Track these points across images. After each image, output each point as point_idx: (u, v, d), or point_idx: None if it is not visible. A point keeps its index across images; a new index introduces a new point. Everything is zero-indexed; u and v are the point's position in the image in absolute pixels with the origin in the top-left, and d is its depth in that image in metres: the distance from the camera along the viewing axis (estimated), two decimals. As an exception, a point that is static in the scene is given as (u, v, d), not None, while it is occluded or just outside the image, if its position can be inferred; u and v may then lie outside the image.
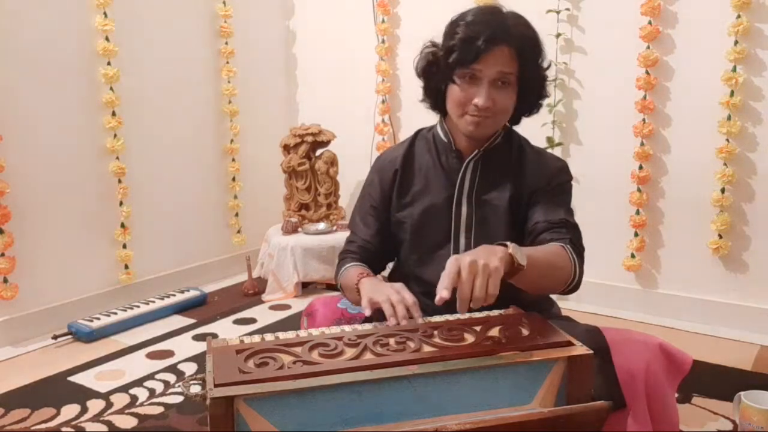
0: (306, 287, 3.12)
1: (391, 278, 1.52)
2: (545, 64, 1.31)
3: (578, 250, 1.27)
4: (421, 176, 1.39)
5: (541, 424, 0.96)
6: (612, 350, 1.08)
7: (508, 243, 1.10)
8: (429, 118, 1.49)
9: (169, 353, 2.41)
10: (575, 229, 1.32)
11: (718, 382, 2.05)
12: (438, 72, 1.31)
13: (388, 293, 1.19)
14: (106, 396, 2.06)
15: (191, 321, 2.76)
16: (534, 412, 0.98)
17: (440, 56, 1.29)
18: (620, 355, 1.09)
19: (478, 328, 1.13)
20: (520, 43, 1.24)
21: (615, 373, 1.10)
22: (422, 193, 1.38)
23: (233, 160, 3.39)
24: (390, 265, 1.55)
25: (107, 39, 2.72)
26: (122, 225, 2.87)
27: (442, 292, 1.00)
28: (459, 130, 1.34)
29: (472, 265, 1.00)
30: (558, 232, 1.28)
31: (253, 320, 2.78)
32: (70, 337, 2.53)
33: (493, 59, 1.22)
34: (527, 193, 1.34)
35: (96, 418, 1.92)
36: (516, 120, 1.38)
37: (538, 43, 1.28)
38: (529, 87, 1.29)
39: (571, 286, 1.24)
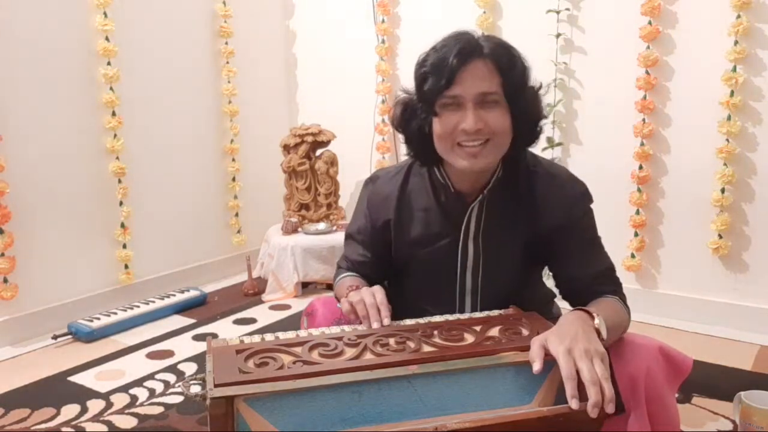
0: (306, 287, 3.12)
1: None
2: (534, 84, 1.20)
3: (623, 294, 1.27)
4: (420, 220, 1.30)
5: (540, 423, 0.96)
6: (611, 354, 1.07)
7: (595, 314, 1.07)
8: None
9: (169, 353, 2.41)
10: (614, 272, 1.30)
11: (718, 382, 2.05)
12: (415, 114, 1.20)
13: (363, 295, 1.18)
14: (106, 396, 2.06)
15: (191, 321, 2.76)
16: (534, 410, 0.98)
17: (414, 98, 1.20)
18: (620, 358, 1.09)
19: (478, 328, 1.13)
20: (495, 53, 1.13)
21: (614, 378, 1.10)
22: (424, 238, 1.29)
23: (233, 160, 3.39)
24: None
25: (107, 39, 2.72)
26: (122, 225, 2.87)
27: (572, 403, 0.94)
28: (457, 176, 1.24)
29: (587, 353, 0.97)
30: (604, 284, 1.26)
31: (253, 320, 2.78)
32: (70, 337, 2.53)
33: (470, 78, 1.11)
34: (546, 228, 1.25)
35: (96, 418, 1.92)
36: (517, 153, 1.25)
37: (516, 55, 1.16)
38: (521, 104, 1.16)
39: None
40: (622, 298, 1.26)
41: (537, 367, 0.97)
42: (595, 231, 1.30)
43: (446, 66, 1.11)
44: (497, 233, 1.27)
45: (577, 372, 0.95)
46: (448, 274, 1.30)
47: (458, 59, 1.11)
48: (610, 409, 0.93)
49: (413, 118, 1.22)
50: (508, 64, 1.14)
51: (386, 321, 1.15)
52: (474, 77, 1.12)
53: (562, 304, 1.38)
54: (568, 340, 0.99)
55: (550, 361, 0.99)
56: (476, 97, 1.12)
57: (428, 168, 1.29)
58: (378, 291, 1.20)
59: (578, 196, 1.27)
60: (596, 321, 1.06)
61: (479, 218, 1.26)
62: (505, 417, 0.96)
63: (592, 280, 1.25)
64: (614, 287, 1.27)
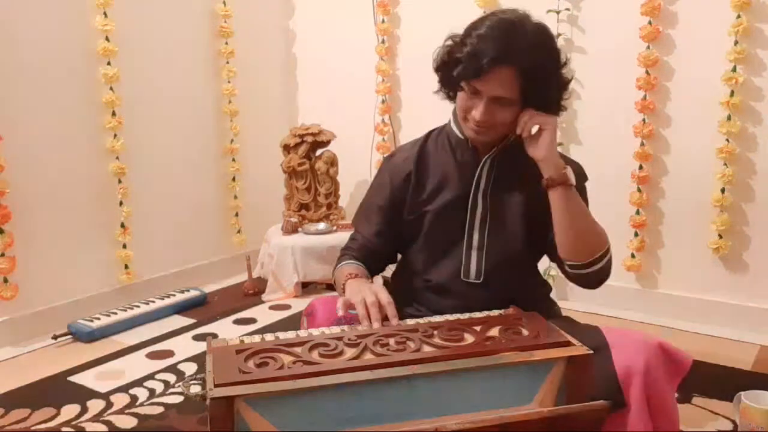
0: (306, 287, 3.11)
1: (394, 278, 1.52)
2: (564, 76, 1.28)
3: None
4: (436, 174, 1.40)
5: (540, 424, 0.96)
6: (612, 350, 1.08)
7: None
8: (429, 119, 1.49)
9: (169, 353, 2.41)
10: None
11: (718, 382, 2.05)
12: (448, 73, 1.30)
13: (364, 294, 1.20)
14: (106, 396, 2.06)
15: (191, 321, 2.76)
16: (534, 411, 0.98)
17: (451, 61, 1.27)
18: (620, 354, 1.09)
19: (478, 328, 1.13)
20: (527, 65, 1.19)
21: (615, 373, 1.10)
22: (438, 190, 1.39)
23: (233, 160, 3.39)
24: (392, 267, 1.55)
25: (107, 39, 2.72)
26: (122, 225, 2.86)
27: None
28: None
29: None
30: None
31: (253, 320, 2.78)
32: (70, 337, 2.53)
33: (493, 80, 1.20)
34: (544, 194, 1.31)
35: (96, 418, 1.92)
36: None
37: (548, 64, 1.24)
38: (536, 105, 1.26)
39: (600, 264, 1.27)
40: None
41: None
42: (586, 203, 1.36)
43: (477, 65, 1.19)
44: (505, 192, 1.36)
45: None
46: (456, 228, 1.37)
47: (488, 65, 1.18)
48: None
49: (447, 74, 1.29)
50: (533, 75, 1.20)
51: (394, 321, 1.17)
52: (495, 82, 1.21)
53: (563, 305, 1.38)
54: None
55: (549, 362, 0.99)
56: (491, 98, 1.23)
57: (446, 129, 1.43)
58: (380, 289, 1.22)
59: (575, 170, 1.35)
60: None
61: (490, 174, 1.36)
62: (505, 417, 0.96)
63: None
64: None
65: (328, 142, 3.24)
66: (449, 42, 1.30)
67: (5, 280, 2.45)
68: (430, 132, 1.47)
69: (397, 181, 1.42)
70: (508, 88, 1.21)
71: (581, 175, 1.39)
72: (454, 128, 1.39)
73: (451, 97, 1.35)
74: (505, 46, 1.18)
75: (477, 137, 1.31)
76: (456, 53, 1.25)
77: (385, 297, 1.20)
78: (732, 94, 2.41)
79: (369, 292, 1.20)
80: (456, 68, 1.24)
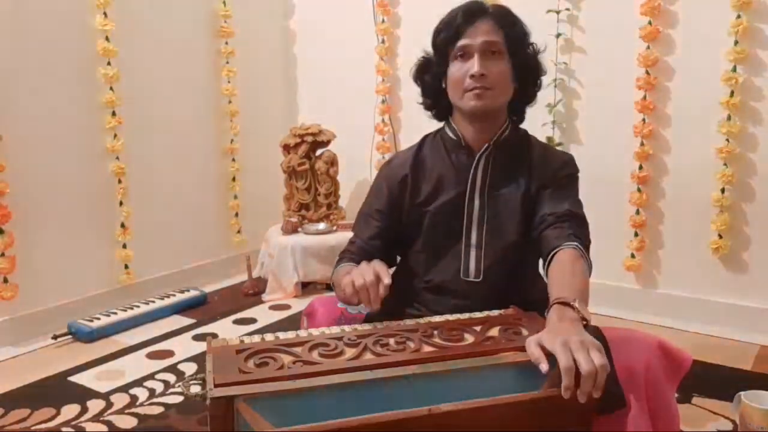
0: (306, 287, 3.11)
1: (394, 280, 1.52)
2: (534, 44, 1.37)
3: (585, 243, 1.29)
4: (432, 177, 1.40)
5: (533, 406, 0.96)
6: (612, 349, 1.08)
7: (573, 303, 1.07)
8: (429, 119, 1.49)
9: (169, 353, 2.41)
10: (581, 221, 1.33)
11: (718, 382, 2.05)
12: (430, 68, 1.38)
13: (363, 272, 1.18)
14: (106, 396, 2.06)
15: (191, 321, 2.76)
16: (525, 393, 0.97)
17: (431, 55, 1.37)
18: (620, 354, 1.09)
19: (478, 328, 1.13)
20: (498, 14, 1.32)
21: (615, 373, 1.10)
22: (435, 192, 1.39)
23: (233, 160, 3.39)
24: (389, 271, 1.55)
25: (107, 39, 2.72)
26: (122, 225, 2.87)
27: (565, 393, 0.93)
28: (466, 125, 1.36)
29: (583, 345, 0.96)
30: (562, 226, 1.29)
31: (253, 320, 2.78)
32: (70, 337, 2.53)
33: (476, 31, 1.29)
34: (535, 187, 1.35)
35: (96, 418, 1.92)
36: (519, 112, 1.43)
37: (516, 17, 1.35)
38: (521, 59, 1.33)
39: None
40: (583, 243, 1.28)
41: (546, 366, 0.96)
42: (576, 192, 1.38)
43: (455, 23, 1.31)
44: (500, 188, 1.37)
45: (575, 363, 0.95)
46: (455, 228, 1.37)
47: (465, 16, 1.31)
48: (596, 394, 0.93)
49: (428, 71, 1.40)
50: (508, 22, 1.33)
51: (387, 280, 1.15)
52: (478, 31, 1.29)
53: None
54: (562, 335, 0.99)
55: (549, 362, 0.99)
56: (481, 45, 1.28)
57: (440, 125, 1.45)
58: (377, 263, 1.21)
59: (565, 161, 1.41)
60: (578, 306, 1.07)
61: (485, 172, 1.37)
62: (498, 399, 0.96)
63: (557, 218, 1.30)
64: (573, 231, 1.28)
65: (328, 142, 3.25)
66: (422, 55, 1.41)
67: (5, 280, 2.45)
68: (426, 136, 1.48)
69: (393, 185, 1.42)
70: (494, 34, 1.29)
71: (571, 167, 1.40)
72: (447, 130, 1.41)
73: (438, 107, 1.42)
74: (474, 4, 1.33)
75: (479, 102, 1.30)
76: (434, 34, 1.36)
77: (387, 279, 1.17)
78: (732, 94, 2.41)
79: (368, 270, 1.18)
80: (437, 38, 1.34)
